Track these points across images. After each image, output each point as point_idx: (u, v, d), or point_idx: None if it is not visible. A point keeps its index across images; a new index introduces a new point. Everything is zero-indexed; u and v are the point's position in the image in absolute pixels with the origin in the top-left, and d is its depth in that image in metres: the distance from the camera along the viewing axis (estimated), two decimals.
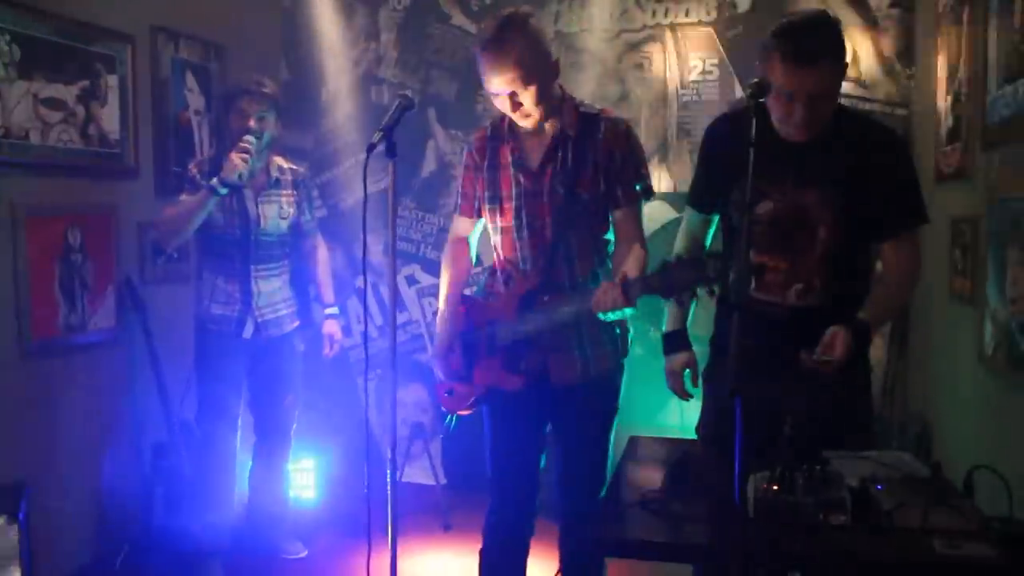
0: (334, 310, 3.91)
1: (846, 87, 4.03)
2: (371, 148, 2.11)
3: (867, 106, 4.05)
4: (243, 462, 3.91)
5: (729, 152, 2.22)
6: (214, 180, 3.35)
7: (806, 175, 2.27)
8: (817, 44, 2.12)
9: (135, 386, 3.88)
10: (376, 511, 2.28)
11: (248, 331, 3.63)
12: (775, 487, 1.89)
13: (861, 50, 4.09)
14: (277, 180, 3.66)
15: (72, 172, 3.60)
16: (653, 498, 2.02)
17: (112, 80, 3.77)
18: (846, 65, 2.23)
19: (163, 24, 4.05)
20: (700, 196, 2.54)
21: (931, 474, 1.99)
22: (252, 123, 3.44)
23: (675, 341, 2.54)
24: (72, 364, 3.61)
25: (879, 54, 4.08)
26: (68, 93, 3.56)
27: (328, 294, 3.92)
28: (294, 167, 3.77)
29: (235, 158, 3.32)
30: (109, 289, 3.78)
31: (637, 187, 2.48)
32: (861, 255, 2.39)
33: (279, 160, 3.71)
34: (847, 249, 2.31)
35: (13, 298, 3.34)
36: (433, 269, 4.84)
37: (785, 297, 2.32)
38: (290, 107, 4.72)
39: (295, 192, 3.71)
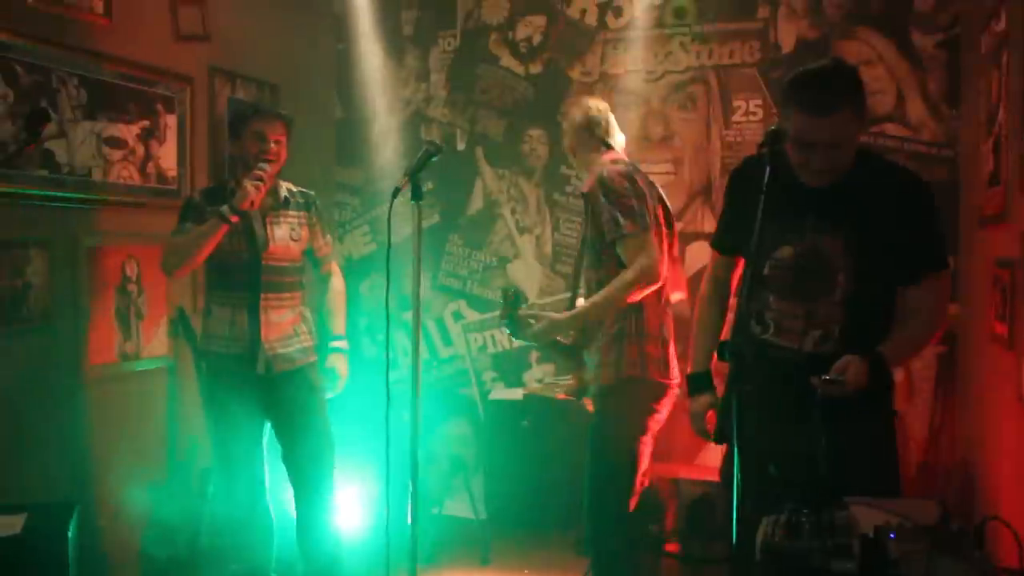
0: (341, 343, 3.49)
1: (891, 128, 4.06)
2: (396, 193, 2.19)
3: (912, 147, 4.04)
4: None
5: (750, 195, 2.24)
6: (224, 208, 3.11)
7: (826, 220, 2.27)
8: (832, 95, 2.13)
9: (185, 412, 4.02)
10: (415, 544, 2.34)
11: (260, 366, 3.28)
12: (782, 532, 1.90)
13: (907, 91, 4.08)
14: (287, 200, 3.37)
15: (131, 207, 3.78)
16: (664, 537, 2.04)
17: (171, 119, 3.95)
18: (864, 112, 2.22)
19: (220, 65, 4.24)
20: (722, 238, 2.57)
21: (943, 523, 1.97)
22: (272, 147, 3.23)
23: (698, 383, 2.55)
24: (126, 390, 3.77)
25: (925, 95, 4.06)
26: (129, 132, 3.75)
27: (337, 324, 3.53)
28: (304, 190, 3.49)
29: (249, 186, 3.11)
30: (162, 319, 3.94)
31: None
32: (882, 301, 2.35)
33: (287, 184, 3.45)
34: (867, 295, 2.29)
35: (73, 326, 3.51)
36: (478, 305, 4.94)
37: (802, 343, 2.31)
38: (343, 144, 4.87)
39: (307, 214, 3.43)
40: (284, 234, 3.33)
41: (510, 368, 4.88)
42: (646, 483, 3.30)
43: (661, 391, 2.98)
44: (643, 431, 2.97)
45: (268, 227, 3.31)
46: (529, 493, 4.44)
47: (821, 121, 2.12)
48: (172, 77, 3.95)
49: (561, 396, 4.45)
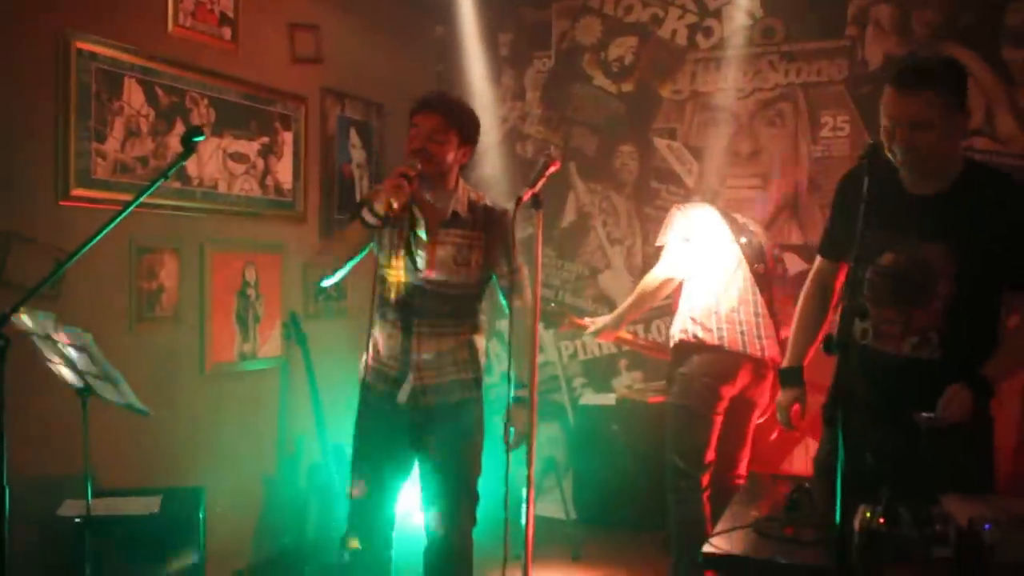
0: (522, 392, 2.86)
1: (980, 143, 4.12)
2: (518, 202, 2.35)
3: (1002, 160, 4.08)
4: None
5: (855, 204, 2.18)
6: (364, 210, 2.72)
7: (930, 228, 2.31)
8: (923, 75, 2.22)
9: (295, 410, 4.28)
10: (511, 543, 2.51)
11: (403, 395, 2.86)
12: (880, 520, 2.02)
13: (996, 105, 4.13)
14: (456, 215, 2.84)
15: (251, 217, 4.07)
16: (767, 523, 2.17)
17: (287, 136, 4.24)
18: (961, 102, 2.26)
19: (331, 86, 4.52)
20: (829, 245, 2.65)
21: None
22: (426, 144, 2.77)
23: (788, 376, 2.68)
24: (243, 387, 4.05)
25: (1015, 109, 4.11)
26: (251, 148, 4.04)
27: (518, 367, 2.88)
28: (489, 204, 2.94)
29: (388, 183, 2.69)
30: (277, 322, 4.22)
31: None
32: (985, 310, 2.38)
33: (470, 192, 2.94)
34: (969, 304, 2.32)
35: (198, 326, 3.81)
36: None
37: (900, 348, 2.38)
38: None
39: (484, 234, 2.87)
40: (447, 256, 2.83)
41: (599, 374, 5.04)
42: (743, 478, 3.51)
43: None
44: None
45: (430, 246, 2.83)
46: (617, 494, 4.59)
47: (909, 98, 2.21)
48: (289, 97, 4.25)
49: (652, 400, 4.60)
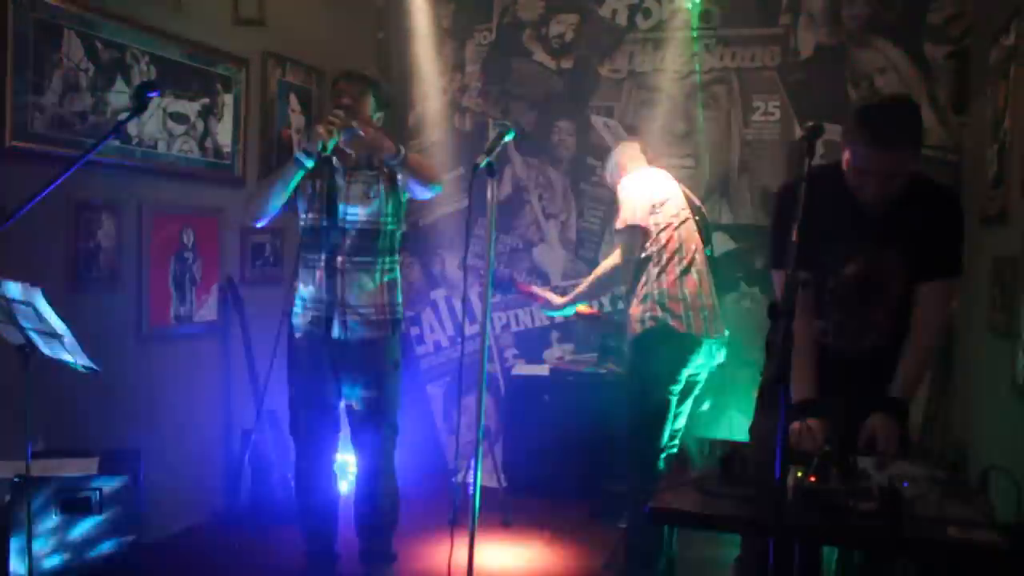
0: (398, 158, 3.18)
1: None
2: (476, 169, 2.42)
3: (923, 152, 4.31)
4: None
5: (808, 216, 2.21)
6: (298, 152, 3.09)
7: (886, 236, 2.49)
8: (896, 131, 2.31)
9: (230, 374, 4.27)
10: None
11: (335, 331, 3.24)
12: (812, 478, 2.17)
13: (917, 98, 4.33)
14: (369, 159, 3.26)
15: (190, 179, 4.03)
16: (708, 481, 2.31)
17: (228, 99, 4.20)
18: (920, 146, 2.41)
19: (273, 50, 4.49)
20: (781, 259, 2.61)
21: (950, 474, 2.25)
22: (346, 100, 3.19)
23: (812, 411, 2.57)
24: (179, 351, 4.02)
25: (933, 102, 4.34)
26: (191, 109, 3.99)
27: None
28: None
29: (319, 127, 3.05)
30: (214, 286, 4.19)
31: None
32: (910, 294, 2.58)
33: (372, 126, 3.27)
34: (908, 294, 2.55)
35: (136, 288, 3.76)
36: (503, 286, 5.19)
37: (860, 344, 2.58)
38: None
39: (387, 171, 3.26)
40: (359, 191, 3.24)
41: (531, 346, 5.15)
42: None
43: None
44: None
45: (348, 185, 3.24)
46: (548, 463, 4.72)
47: (884, 156, 2.31)
48: (230, 59, 4.20)
49: (584, 369, 4.73)
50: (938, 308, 2.57)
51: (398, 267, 3.40)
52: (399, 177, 3.25)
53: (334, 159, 3.23)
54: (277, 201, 3.18)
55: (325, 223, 3.23)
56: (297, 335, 3.35)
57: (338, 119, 3.06)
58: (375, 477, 3.41)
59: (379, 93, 3.33)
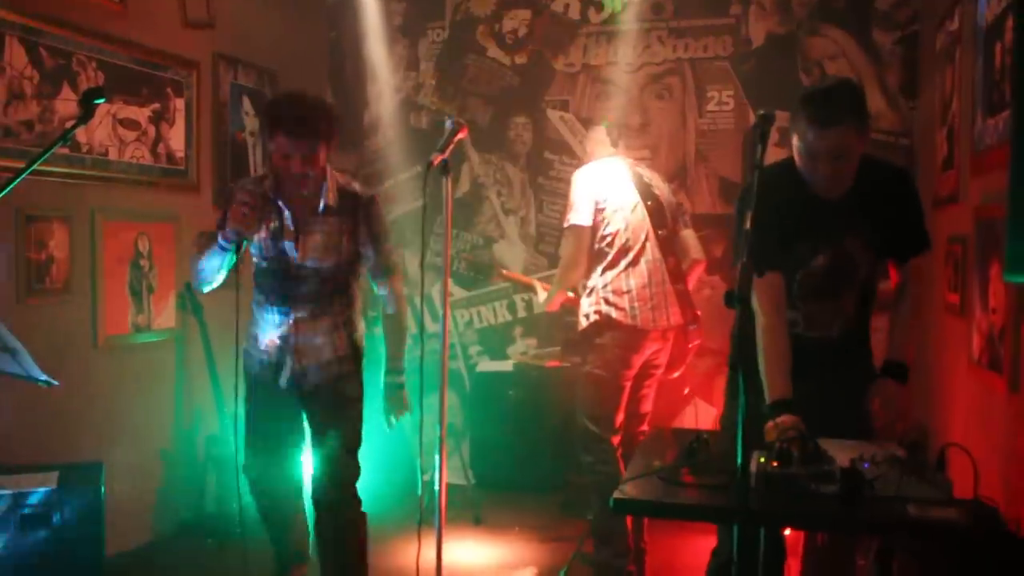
0: (396, 378, 3.08)
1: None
2: (428, 167, 2.40)
3: (873, 136, 4.37)
4: None
5: (775, 216, 2.32)
6: (220, 236, 2.78)
7: (849, 226, 2.53)
8: (838, 109, 2.36)
9: (192, 381, 4.22)
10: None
11: (283, 380, 3.00)
12: (774, 463, 2.19)
13: (867, 84, 4.42)
14: (326, 207, 2.92)
15: (143, 186, 3.96)
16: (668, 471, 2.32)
17: (179, 103, 4.14)
18: (866, 127, 2.45)
19: (224, 52, 4.43)
20: (762, 258, 2.52)
21: (910, 454, 2.29)
22: (303, 169, 2.81)
23: (785, 408, 2.51)
24: (137, 360, 3.96)
25: (883, 88, 4.41)
26: (142, 115, 3.93)
27: (391, 352, 3.10)
28: (358, 190, 3.01)
29: (236, 212, 2.71)
30: (171, 293, 4.13)
31: None
32: (877, 278, 2.68)
33: (338, 179, 2.99)
34: (874, 279, 2.62)
35: (90, 298, 3.70)
36: (465, 282, 5.19)
37: (830, 331, 2.63)
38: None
39: (351, 220, 2.96)
40: (317, 243, 2.92)
41: (495, 342, 5.15)
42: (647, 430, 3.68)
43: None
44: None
45: (302, 236, 2.91)
46: (515, 458, 4.72)
47: (826, 132, 2.36)
48: (180, 62, 4.14)
49: (549, 364, 4.74)
50: (906, 284, 2.62)
51: (355, 299, 3.10)
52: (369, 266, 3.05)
53: (286, 214, 2.92)
54: (216, 275, 2.92)
55: (276, 269, 2.96)
56: (252, 373, 3.12)
57: (256, 202, 2.75)
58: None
59: (331, 140, 2.89)
